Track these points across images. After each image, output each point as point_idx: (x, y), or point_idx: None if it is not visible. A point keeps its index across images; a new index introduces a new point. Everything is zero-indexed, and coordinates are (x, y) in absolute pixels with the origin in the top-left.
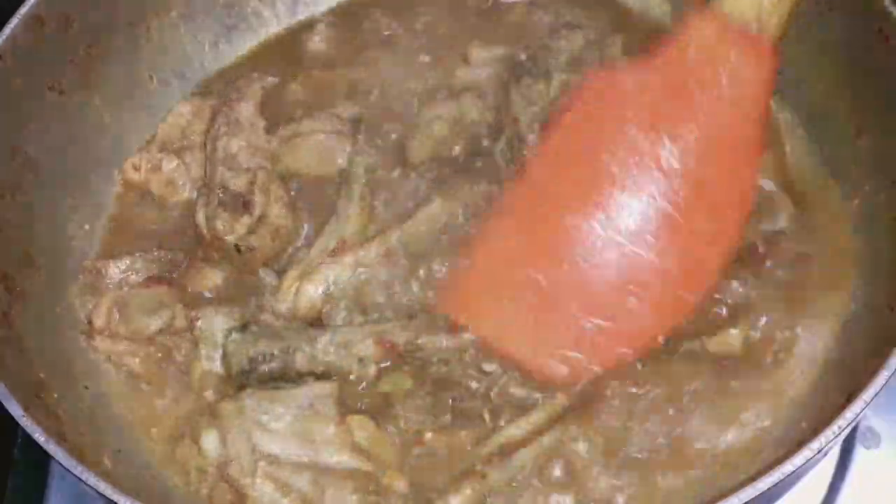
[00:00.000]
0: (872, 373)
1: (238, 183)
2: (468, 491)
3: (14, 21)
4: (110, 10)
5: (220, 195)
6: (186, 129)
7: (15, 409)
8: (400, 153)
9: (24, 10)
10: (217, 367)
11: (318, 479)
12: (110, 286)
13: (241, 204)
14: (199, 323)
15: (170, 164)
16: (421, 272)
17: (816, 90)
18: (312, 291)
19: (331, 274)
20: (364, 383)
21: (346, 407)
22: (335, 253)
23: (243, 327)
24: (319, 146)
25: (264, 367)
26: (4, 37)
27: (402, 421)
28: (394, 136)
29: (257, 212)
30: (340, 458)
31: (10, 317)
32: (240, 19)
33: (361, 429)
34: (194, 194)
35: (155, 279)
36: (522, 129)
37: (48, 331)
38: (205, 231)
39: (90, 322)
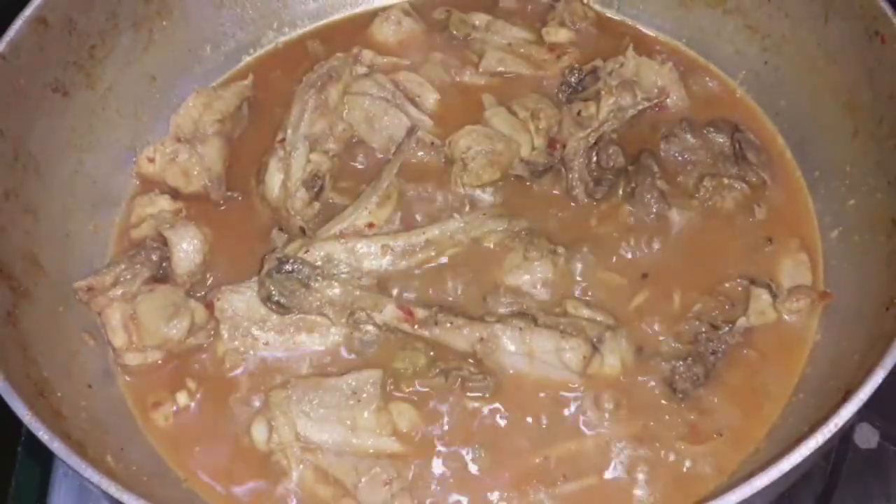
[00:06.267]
0: (869, 371)
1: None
2: None
3: (18, 23)
4: (113, 12)
5: (303, 175)
6: (199, 120)
7: (19, 408)
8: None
9: (27, 11)
10: (237, 344)
11: (357, 467)
12: (111, 300)
13: (319, 189)
14: (218, 304)
15: (185, 155)
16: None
17: (813, 91)
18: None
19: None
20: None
21: (389, 394)
22: (361, 230)
23: (283, 261)
24: (366, 109)
25: (293, 271)
26: (8, 38)
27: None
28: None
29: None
30: (381, 444)
31: (15, 316)
32: (242, 22)
33: (403, 415)
34: (208, 184)
35: (153, 279)
36: (569, 155)
37: (52, 330)
38: (276, 200)
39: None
